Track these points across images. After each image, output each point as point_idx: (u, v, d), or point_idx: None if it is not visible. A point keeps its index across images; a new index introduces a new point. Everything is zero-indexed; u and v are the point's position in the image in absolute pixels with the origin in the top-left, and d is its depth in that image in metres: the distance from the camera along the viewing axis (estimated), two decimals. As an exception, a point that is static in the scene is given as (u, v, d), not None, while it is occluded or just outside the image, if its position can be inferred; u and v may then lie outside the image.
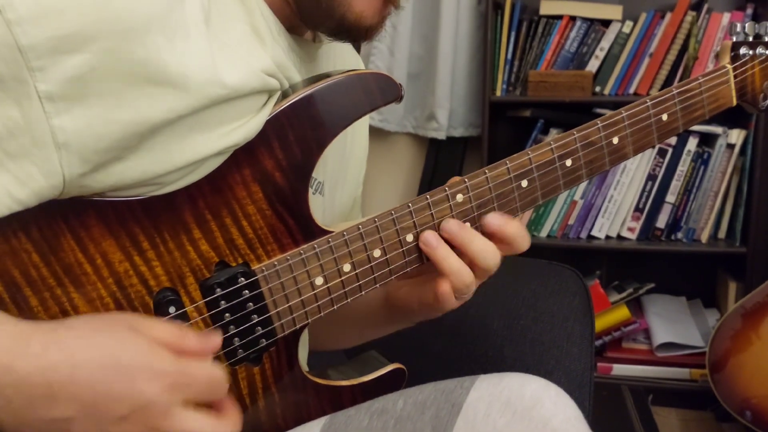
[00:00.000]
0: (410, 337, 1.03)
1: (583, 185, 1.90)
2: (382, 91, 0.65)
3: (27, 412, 0.50)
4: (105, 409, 0.52)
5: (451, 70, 2.00)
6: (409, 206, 0.66)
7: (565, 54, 1.92)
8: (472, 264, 0.67)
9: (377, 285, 0.66)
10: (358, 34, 0.68)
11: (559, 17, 1.91)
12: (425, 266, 0.69)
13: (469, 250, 0.67)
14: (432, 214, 0.67)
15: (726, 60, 0.78)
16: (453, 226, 0.67)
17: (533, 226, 1.94)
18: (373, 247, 0.65)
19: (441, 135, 2.03)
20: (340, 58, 0.82)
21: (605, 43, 1.90)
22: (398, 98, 0.66)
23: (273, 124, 0.61)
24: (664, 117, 0.74)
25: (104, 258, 0.57)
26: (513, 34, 1.94)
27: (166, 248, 0.59)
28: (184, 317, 0.60)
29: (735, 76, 0.77)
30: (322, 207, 0.76)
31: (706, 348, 1.70)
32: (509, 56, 1.95)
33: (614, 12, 1.90)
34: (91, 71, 0.52)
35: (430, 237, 0.67)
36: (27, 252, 0.54)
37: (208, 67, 0.56)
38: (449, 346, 1.00)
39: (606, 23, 1.91)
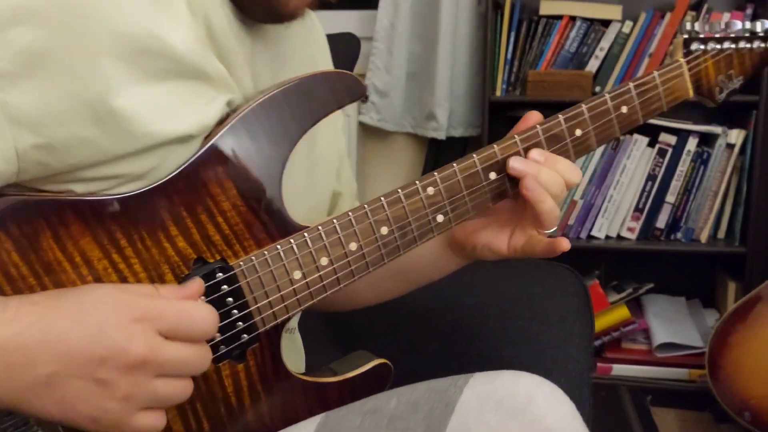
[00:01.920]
0: (407, 338, 1.03)
1: (583, 185, 1.90)
2: (348, 89, 0.67)
3: (11, 380, 0.51)
4: (82, 356, 0.52)
5: (451, 70, 2.00)
6: (381, 200, 0.68)
7: (564, 54, 1.92)
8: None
9: (355, 278, 0.68)
10: (282, 17, 0.69)
11: (559, 17, 1.91)
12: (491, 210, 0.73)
13: (556, 168, 0.72)
14: (404, 207, 0.69)
15: (679, 55, 0.82)
16: (517, 163, 0.71)
17: (532, 226, 1.94)
18: (349, 241, 0.67)
19: (440, 135, 2.03)
20: (309, 33, 0.83)
21: (605, 43, 1.90)
22: (364, 97, 0.69)
23: (244, 122, 0.63)
24: (624, 109, 0.78)
25: (83, 256, 0.58)
26: (513, 33, 1.93)
27: (143, 245, 0.60)
28: None
29: (689, 69, 0.81)
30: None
31: (705, 348, 1.70)
32: (509, 56, 1.94)
33: (614, 12, 1.90)
34: (41, 45, 0.52)
35: (517, 160, 0.71)
36: (6, 251, 0.55)
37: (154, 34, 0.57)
38: (447, 346, 1.00)
39: (606, 23, 1.91)
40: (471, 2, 1.99)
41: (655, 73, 0.79)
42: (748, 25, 0.83)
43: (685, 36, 0.82)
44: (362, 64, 2.04)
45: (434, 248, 0.82)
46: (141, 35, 0.57)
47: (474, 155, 0.72)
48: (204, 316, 0.57)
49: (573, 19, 1.91)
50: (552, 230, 0.75)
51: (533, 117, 0.75)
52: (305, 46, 0.84)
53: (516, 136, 0.73)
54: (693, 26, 0.82)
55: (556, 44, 1.92)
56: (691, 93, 0.81)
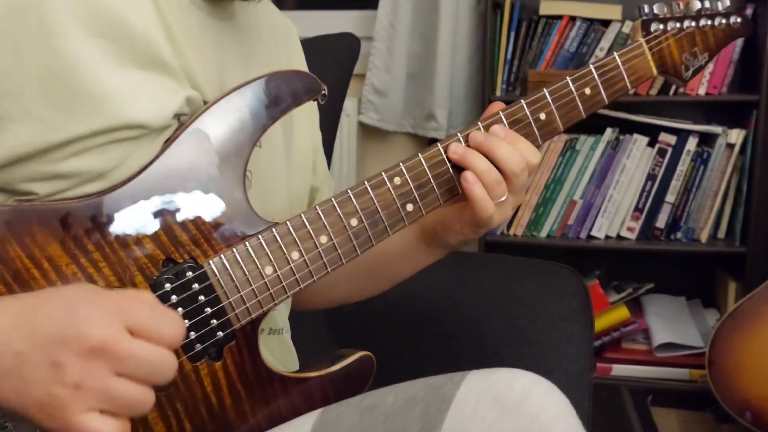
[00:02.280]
0: (407, 338, 1.02)
1: (582, 185, 1.89)
2: (306, 88, 0.68)
3: None
4: (46, 335, 0.50)
5: (450, 70, 2.00)
6: (348, 192, 0.69)
7: (564, 54, 1.92)
8: (499, 169, 0.71)
9: (329, 270, 0.68)
10: None
11: (559, 17, 1.91)
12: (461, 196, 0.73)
13: (495, 155, 0.71)
14: (372, 197, 0.70)
15: (639, 36, 0.83)
16: (478, 135, 0.72)
17: (532, 226, 1.94)
18: (319, 234, 0.67)
19: (440, 134, 2.02)
20: (263, 14, 0.82)
21: (605, 43, 1.90)
22: (322, 95, 0.69)
23: (203, 123, 0.64)
24: (587, 91, 0.79)
25: (51, 262, 0.58)
26: (512, 33, 1.93)
27: (111, 249, 0.60)
28: None
29: (650, 49, 0.82)
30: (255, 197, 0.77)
31: (705, 348, 1.69)
32: (508, 56, 1.94)
33: (614, 12, 1.90)
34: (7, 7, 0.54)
35: (457, 146, 0.72)
36: None
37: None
38: (447, 346, 1.00)
39: (606, 23, 1.91)
40: (471, 2, 1.99)
41: (615, 54, 0.81)
42: (707, 3, 0.84)
43: (644, 18, 0.83)
44: (362, 64, 2.04)
45: (407, 241, 0.83)
46: (111, 17, 0.59)
47: (438, 143, 0.73)
48: (174, 321, 0.55)
49: (573, 18, 1.91)
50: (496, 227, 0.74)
51: (497, 106, 0.76)
52: (280, 48, 0.84)
53: (479, 122, 0.74)
54: (651, 8, 0.83)
55: (555, 44, 1.92)
56: (654, 72, 0.83)
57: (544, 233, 1.94)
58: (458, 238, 0.78)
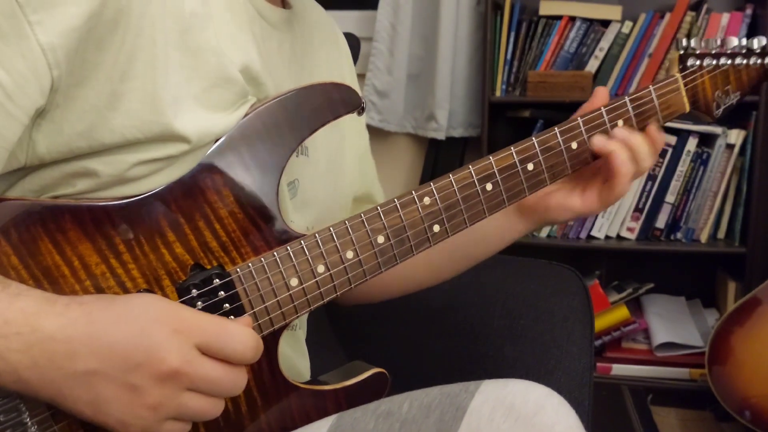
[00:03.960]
0: (411, 338, 1.03)
1: (582, 185, 1.89)
2: (344, 101, 0.68)
3: (51, 370, 0.52)
4: (119, 356, 0.53)
5: (451, 71, 2.00)
6: (378, 209, 0.68)
7: (564, 54, 1.92)
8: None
9: (352, 286, 0.68)
10: None
11: (559, 17, 1.91)
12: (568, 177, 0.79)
13: (636, 151, 0.77)
14: (401, 215, 0.69)
15: (675, 70, 0.83)
16: (623, 131, 0.77)
17: (533, 226, 1.94)
18: (345, 249, 0.67)
19: (440, 135, 2.03)
20: (316, 23, 0.84)
21: (605, 44, 1.90)
22: (360, 109, 0.69)
23: (241, 131, 0.64)
24: (620, 123, 0.79)
25: (81, 260, 0.58)
26: (512, 34, 1.94)
27: (141, 251, 0.60)
28: None
29: (685, 84, 0.82)
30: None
31: (705, 348, 1.70)
32: (509, 56, 1.95)
33: (613, 12, 1.90)
34: (88, 20, 0.55)
35: (600, 139, 0.77)
36: (6, 254, 0.56)
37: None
38: (450, 346, 1.00)
39: (605, 23, 1.91)
40: (471, 3, 1.99)
41: (651, 88, 0.80)
42: (744, 41, 0.84)
43: (681, 52, 0.83)
44: (362, 65, 2.05)
45: (499, 219, 0.83)
46: (199, 37, 0.61)
47: (470, 166, 0.72)
48: (244, 339, 0.58)
49: (572, 19, 1.91)
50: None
51: (600, 95, 0.80)
52: (330, 53, 0.85)
53: (512, 148, 0.75)
54: (689, 42, 0.83)
55: (555, 44, 1.92)
56: (687, 107, 0.82)
57: (544, 233, 1.94)
58: (564, 217, 0.82)
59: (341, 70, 0.89)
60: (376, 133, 2.13)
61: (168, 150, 0.60)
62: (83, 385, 0.53)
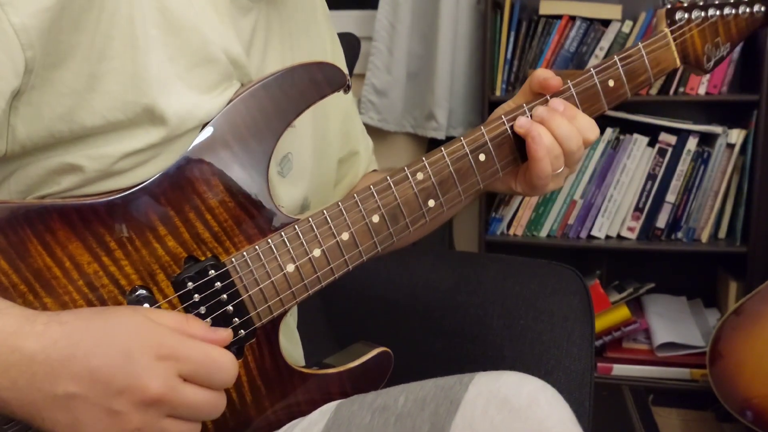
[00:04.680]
0: (411, 337, 1.02)
1: (583, 184, 1.89)
2: (328, 80, 0.68)
3: (31, 392, 0.51)
4: (101, 382, 0.52)
5: (451, 70, 2.00)
6: (371, 188, 0.68)
7: (564, 53, 1.92)
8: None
9: (349, 267, 0.68)
10: None
11: (559, 17, 1.91)
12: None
13: (556, 133, 0.73)
14: (394, 193, 0.69)
15: (663, 25, 0.81)
16: (542, 111, 0.74)
17: (533, 226, 1.94)
18: (340, 231, 0.67)
19: (440, 134, 2.02)
20: (311, 18, 0.83)
21: (605, 43, 1.90)
22: (346, 87, 0.68)
23: (225, 118, 0.63)
24: (611, 83, 0.78)
25: (72, 261, 0.58)
26: (512, 33, 1.93)
27: (133, 247, 0.60)
28: None
29: (674, 39, 0.81)
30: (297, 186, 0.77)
31: (706, 348, 1.69)
32: (508, 56, 1.94)
33: (614, 12, 1.89)
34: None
35: (523, 120, 0.74)
36: None
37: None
38: (449, 345, 0.99)
39: (605, 23, 1.91)
40: (471, 2, 1.99)
41: (640, 45, 0.79)
42: None
43: (668, 6, 0.82)
44: (362, 64, 2.04)
45: None
46: (179, 12, 0.60)
47: (461, 138, 0.72)
48: (227, 366, 0.57)
49: (573, 18, 1.91)
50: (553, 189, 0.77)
51: (542, 76, 0.77)
52: (309, 23, 0.84)
53: (503, 116, 0.74)
54: None
55: (555, 44, 1.92)
56: (678, 62, 0.82)
57: (544, 233, 1.94)
58: (505, 189, 0.80)
59: (321, 36, 0.87)
60: (375, 132, 2.13)
61: (150, 136, 0.59)
62: (62, 408, 0.52)
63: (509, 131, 0.74)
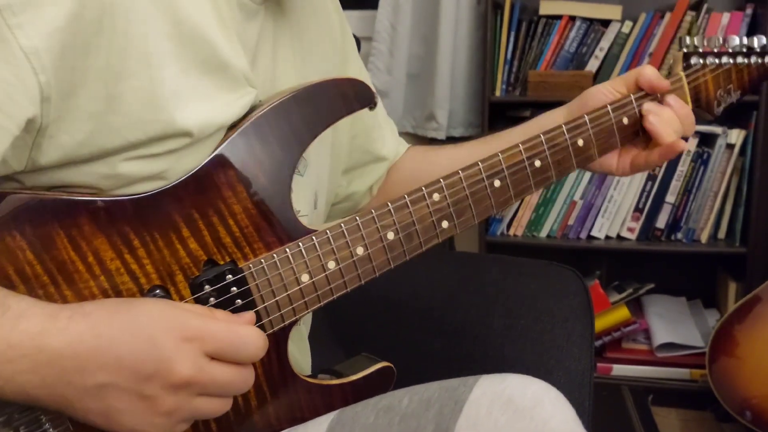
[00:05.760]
0: (411, 338, 1.03)
1: (583, 185, 1.90)
2: (358, 96, 0.69)
3: (61, 386, 0.52)
4: (130, 369, 0.53)
5: (451, 70, 2.00)
6: (388, 205, 0.69)
7: (564, 54, 1.92)
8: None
9: (362, 282, 0.69)
10: None
11: (559, 17, 1.91)
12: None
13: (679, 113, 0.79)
14: (411, 212, 0.70)
15: (679, 68, 0.84)
16: (674, 99, 0.79)
17: (533, 226, 1.94)
18: (356, 245, 0.67)
19: (441, 135, 2.03)
20: (320, 7, 0.83)
21: (605, 43, 1.90)
22: (373, 104, 0.69)
23: (255, 127, 0.64)
24: (625, 120, 0.80)
25: (96, 256, 0.58)
26: (512, 34, 1.93)
27: (156, 246, 0.60)
28: None
29: (689, 83, 0.83)
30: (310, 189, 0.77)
31: (706, 348, 1.70)
32: (509, 56, 1.94)
33: (614, 12, 1.90)
34: (70, 22, 0.53)
35: (652, 105, 0.79)
36: (21, 249, 0.56)
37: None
38: (450, 345, 1.00)
39: (605, 23, 1.91)
40: (471, 2, 1.99)
41: None
42: (745, 40, 0.85)
43: (685, 50, 0.84)
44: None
45: None
46: (191, 23, 0.59)
47: (479, 163, 0.73)
48: (254, 339, 0.59)
49: (573, 19, 1.91)
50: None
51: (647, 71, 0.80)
52: (321, 26, 0.84)
53: (520, 144, 0.75)
54: (692, 41, 0.83)
55: (555, 44, 1.92)
56: (690, 106, 0.83)
57: (544, 233, 1.94)
58: (594, 169, 0.84)
59: (331, 26, 0.86)
60: (375, 133, 2.13)
61: (169, 145, 0.60)
62: (94, 398, 0.53)
63: (525, 161, 0.76)
